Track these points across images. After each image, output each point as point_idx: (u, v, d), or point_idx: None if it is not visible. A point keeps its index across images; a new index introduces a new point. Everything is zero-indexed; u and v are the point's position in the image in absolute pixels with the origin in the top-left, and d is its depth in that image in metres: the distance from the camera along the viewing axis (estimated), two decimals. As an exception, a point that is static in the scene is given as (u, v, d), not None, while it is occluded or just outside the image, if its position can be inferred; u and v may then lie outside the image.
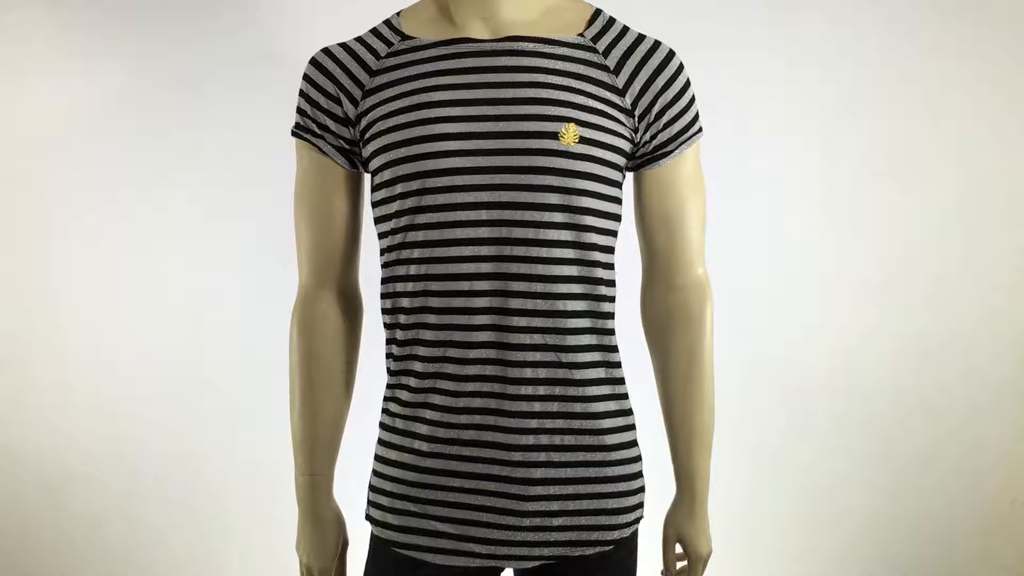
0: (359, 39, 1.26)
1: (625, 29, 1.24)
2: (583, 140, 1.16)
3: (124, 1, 2.01)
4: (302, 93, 1.26)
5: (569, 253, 1.18)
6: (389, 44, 1.24)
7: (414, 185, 1.17)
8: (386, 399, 1.27)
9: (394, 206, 1.20)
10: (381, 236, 1.24)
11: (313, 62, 1.26)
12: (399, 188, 1.18)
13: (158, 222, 2.07)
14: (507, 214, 1.15)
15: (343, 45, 1.26)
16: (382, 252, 1.25)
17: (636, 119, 1.21)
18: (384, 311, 1.26)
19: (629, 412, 1.25)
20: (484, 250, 1.16)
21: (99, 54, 2.01)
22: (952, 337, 2.20)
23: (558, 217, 1.16)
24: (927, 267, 2.17)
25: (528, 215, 1.15)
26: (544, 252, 1.16)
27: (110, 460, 2.14)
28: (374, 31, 1.27)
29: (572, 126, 1.16)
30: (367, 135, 1.21)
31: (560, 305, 1.18)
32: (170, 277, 2.08)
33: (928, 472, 2.25)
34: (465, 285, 1.17)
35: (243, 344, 2.09)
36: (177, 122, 2.03)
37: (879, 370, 2.21)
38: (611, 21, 1.25)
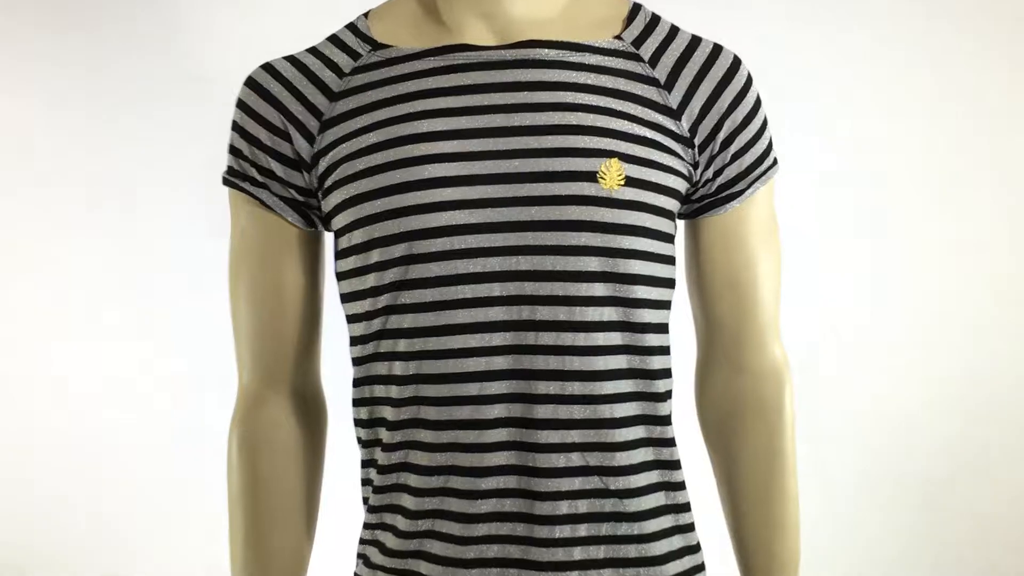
0: (313, 50, 0.94)
1: (675, 30, 0.93)
2: (630, 181, 0.85)
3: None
4: (236, 127, 0.93)
5: (615, 338, 0.86)
6: (356, 56, 0.91)
7: (397, 251, 0.85)
8: (363, 543, 0.93)
9: (369, 280, 0.87)
10: (352, 320, 0.91)
11: (251, 84, 0.92)
12: (376, 255, 0.86)
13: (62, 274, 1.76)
14: (529, 288, 0.84)
15: (292, 59, 0.93)
16: (354, 342, 0.91)
17: (696, 150, 0.90)
18: (358, 423, 0.93)
19: (697, 548, 0.93)
20: (498, 339, 0.85)
21: None
22: (1008, 388, 1.91)
23: (599, 289, 0.85)
24: (974, 312, 1.88)
25: (559, 288, 0.84)
26: (582, 339, 0.85)
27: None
28: (334, 39, 0.94)
29: (615, 163, 0.84)
30: (328, 182, 0.89)
31: (606, 411, 0.86)
32: (77, 344, 1.77)
33: (983, 546, 1.96)
34: (473, 388, 0.85)
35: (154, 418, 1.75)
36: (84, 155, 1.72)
37: (921, 427, 1.92)
38: (655, 19, 0.93)
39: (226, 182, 0.93)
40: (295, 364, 0.96)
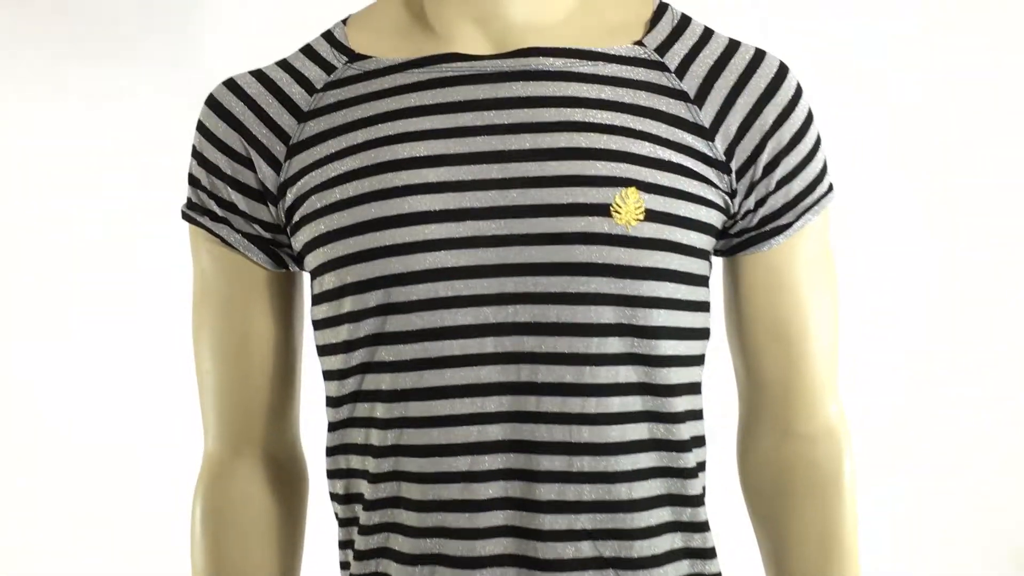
0: (283, 63, 0.82)
1: (709, 33, 0.79)
2: (650, 215, 0.72)
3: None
4: (195, 152, 0.82)
5: (634, 403, 0.73)
6: (330, 69, 0.79)
7: (373, 299, 0.73)
8: (341, 637, 0.80)
9: (342, 332, 0.75)
10: (326, 377, 0.79)
11: (211, 103, 0.81)
12: (349, 304, 0.74)
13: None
14: (529, 344, 0.72)
15: (258, 73, 0.81)
16: (328, 403, 0.79)
17: (733, 176, 0.76)
18: (334, 498, 0.81)
19: None
20: (492, 404, 0.72)
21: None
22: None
23: (614, 345, 0.72)
24: None
25: (564, 344, 0.72)
26: (593, 405, 0.72)
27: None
28: (307, 49, 0.82)
29: (632, 193, 0.71)
30: (297, 217, 0.77)
31: (622, 491, 0.73)
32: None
33: None
34: (463, 463, 0.72)
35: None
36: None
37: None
38: (685, 20, 0.79)
39: (184, 216, 0.82)
40: (267, 425, 0.84)
